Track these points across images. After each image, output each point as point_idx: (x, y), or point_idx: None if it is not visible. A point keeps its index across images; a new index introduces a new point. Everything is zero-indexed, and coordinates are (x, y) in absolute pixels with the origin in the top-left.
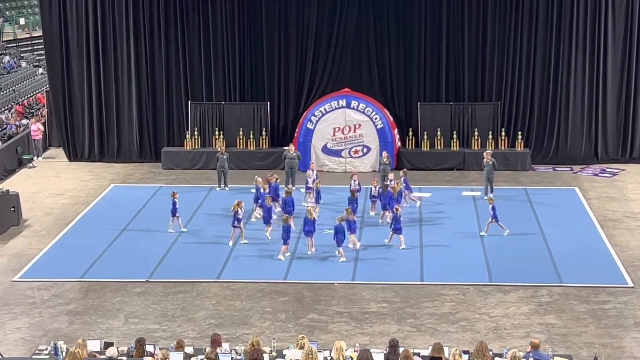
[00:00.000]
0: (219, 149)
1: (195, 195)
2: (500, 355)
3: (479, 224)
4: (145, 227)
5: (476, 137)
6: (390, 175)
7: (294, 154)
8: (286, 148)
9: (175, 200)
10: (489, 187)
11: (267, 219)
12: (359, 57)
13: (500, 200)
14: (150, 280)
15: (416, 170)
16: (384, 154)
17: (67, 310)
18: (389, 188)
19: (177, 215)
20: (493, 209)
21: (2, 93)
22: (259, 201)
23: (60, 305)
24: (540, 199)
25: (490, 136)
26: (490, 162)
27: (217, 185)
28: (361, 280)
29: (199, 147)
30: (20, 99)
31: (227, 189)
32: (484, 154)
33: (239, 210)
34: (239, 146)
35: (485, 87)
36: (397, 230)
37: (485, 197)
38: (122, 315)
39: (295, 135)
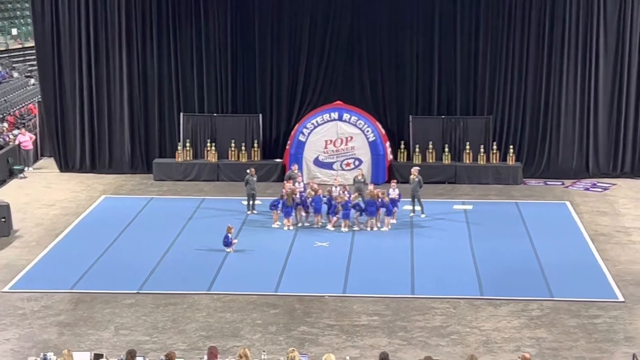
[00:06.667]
0: (248, 171)
1: (186, 207)
2: None
3: (470, 238)
4: (136, 238)
5: (468, 151)
6: (370, 187)
7: (296, 173)
8: (278, 160)
9: (229, 234)
10: (416, 204)
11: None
12: (351, 69)
13: (491, 213)
14: (140, 292)
15: (408, 184)
16: (359, 171)
17: (57, 322)
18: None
19: (231, 245)
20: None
21: None
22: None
23: (50, 317)
24: (532, 213)
25: (482, 150)
26: (416, 179)
27: (247, 210)
28: (352, 293)
29: (191, 158)
30: (11, 110)
31: (255, 212)
32: (412, 170)
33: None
34: (231, 158)
35: (477, 101)
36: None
37: (417, 215)
38: (112, 327)
39: (287, 147)
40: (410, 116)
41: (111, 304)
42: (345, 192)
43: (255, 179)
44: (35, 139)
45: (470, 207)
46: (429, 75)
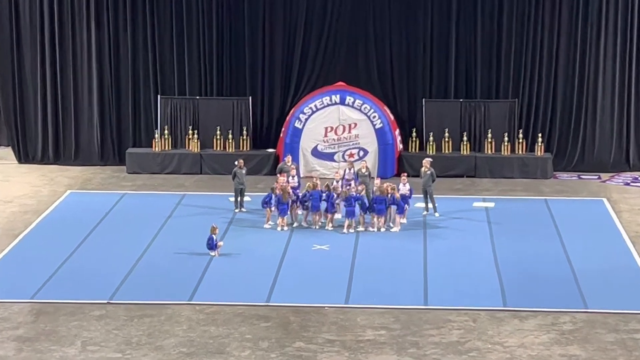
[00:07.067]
0: (236, 163)
1: (164, 204)
2: None
3: (492, 240)
4: (106, 240)
5: (489, 140)
6: (377, 181)
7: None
8: (271, 151)
9: (214, 236)
10: (429, 202)
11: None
12: (355, 46)
13: (517, 211)
14: (111, 302)
15: (420, 178)
16: (363, 163)
17: (15, 336)
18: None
19: (216, 248)
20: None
21: None
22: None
23: (7, 330)
24: (563, 211)
25: (506, 138)
26: (429, 172)
27: (234, 207)
28: (356, 304)
29: (170, 148)
30: None
31: (244, 210)
32: (423, 161)
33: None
34: (216, 147)
35: (500, 82)
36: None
37: (430, 214)
38: (79, 342)
39: (281, 136)
40: (424, 100)
41: (77, 316)
42: (351, 171)
43: (244, 171)
44: None
45: (492, 204)
46: (445, 52)
